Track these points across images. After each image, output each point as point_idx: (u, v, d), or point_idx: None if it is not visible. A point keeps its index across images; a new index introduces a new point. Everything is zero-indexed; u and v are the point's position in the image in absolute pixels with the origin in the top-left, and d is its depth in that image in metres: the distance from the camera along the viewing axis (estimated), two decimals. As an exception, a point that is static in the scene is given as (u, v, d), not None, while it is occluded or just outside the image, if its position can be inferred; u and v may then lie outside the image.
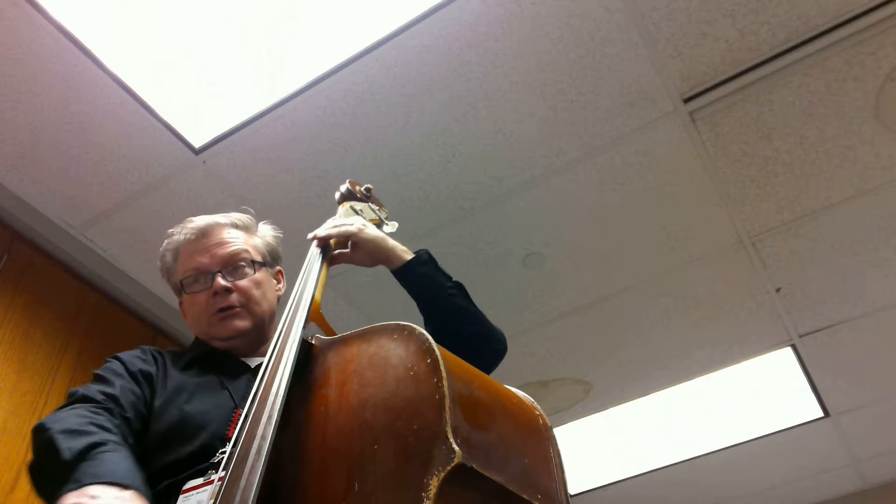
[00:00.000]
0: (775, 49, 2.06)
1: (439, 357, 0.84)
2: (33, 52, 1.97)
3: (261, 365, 1.24)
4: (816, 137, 2.27)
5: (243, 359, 1.30)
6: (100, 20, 1.92)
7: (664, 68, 2.10)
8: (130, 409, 1.13)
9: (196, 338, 1.37)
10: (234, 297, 1.29)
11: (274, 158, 2.27)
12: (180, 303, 1.37)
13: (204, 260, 1.31)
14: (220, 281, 1.29)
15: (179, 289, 1.34)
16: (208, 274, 1.30)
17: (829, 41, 2.03)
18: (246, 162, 2.28)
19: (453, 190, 2.40)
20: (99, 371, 1.20)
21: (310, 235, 1.36)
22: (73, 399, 1.10)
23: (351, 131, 2.22)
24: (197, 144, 2.24)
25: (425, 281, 1.33)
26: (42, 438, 1.00)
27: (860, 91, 2.16)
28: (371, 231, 1.35)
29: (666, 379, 3.20)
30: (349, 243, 1.36)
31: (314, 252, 1.31)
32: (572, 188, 2.41)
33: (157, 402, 1.17)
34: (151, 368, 1.23)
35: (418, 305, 1.35)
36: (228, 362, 1.28)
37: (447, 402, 0.80)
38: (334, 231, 1.34)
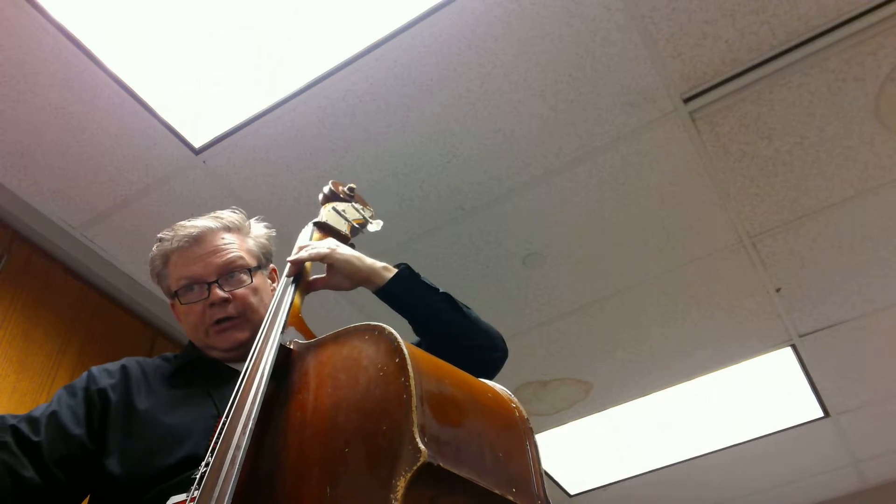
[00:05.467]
0: (775, 49, 2.06)
1: (407, 356, 0.84)
2: (33, 52, 1.97)
3: None
4: (816, 137, 2.27)
5: (233, 364, 1.28)
6: (100, 20, 1.92)
7: (664, 68, 2.10)
8: (54, 433, 1.12)
9: (190, 342, 1.35)
10: (232, 308, 1.26)
11: (274, 158, 2.27)
12: (172, 305, 1.34)
13: (198, 269, 1.27)
14: (218, 292, 1.25)
15: (173, 295, 1.31)
16: (204, 284, 1.26)
17: (829, 41, 2.03)
18: (246, 162, 2.28)
19: (453, 190, 2.40)
20: (64, 385, 1.20)
21: (286, 271, 1.26)
22: None
23: (351, 131, 2.22)
24: (197, 144, 2.24)
25: (410, 300, 1.25)
26: None
27: (860, 91, 2.16)
28: (343, 251, 1.25)
29: (666, 379, 3.20)
30: (325, 266, 1.27)
31: (285, 282, 1.22)
32: (572, 188, 2.41)
33: (138, 414, 1.17)
34: (113, 386, 1.21)
35: (409, 322, 1.28)
36: (215, 369, 1.27)
37: (414, 400, 0.79)
38: (304, 254, 1.24)
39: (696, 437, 3.56)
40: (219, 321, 1.26)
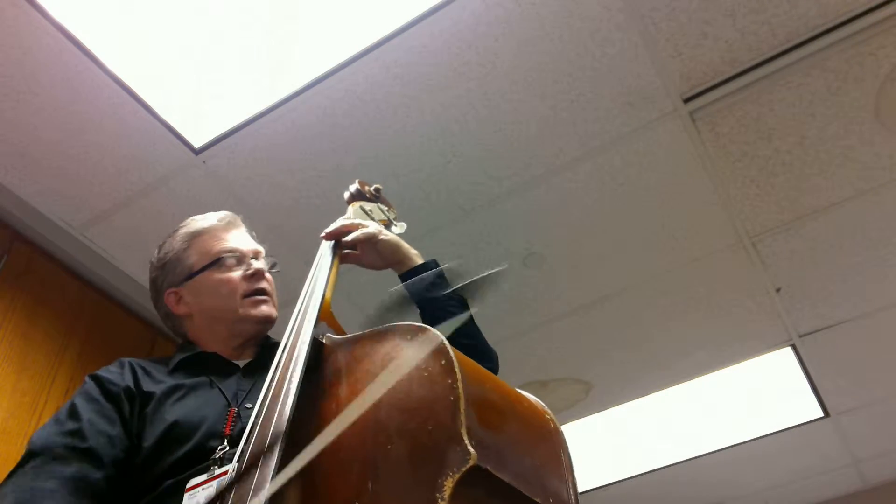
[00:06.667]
0: (775, 49, 2.06)
1: (454, 358, 0.84)
2: (33, 52, 1.97)
3: (249, 364, 1.25)
4: (816, 137, 2.27)
5: (232, 359, 1.30)
6: (100, 20, 1.92)
7: (664, 68, 2.10)
8: (99, 438, 1.10)
9: (183, 342, 1.36)
10: (266, 285, 1.34)
11: (274, 158, 2.27)
12: (174, 292, 1.34)
13: (240, 244, 1.36)
14: (258, 263, 1.34)
15: (192, 274, 1.32)
16: (244, 257, 1.34)
17: (829, 41, 2.03)
18: (246, 162, 2.28)
19: (453, 190, 2.40)
20: (73, 397, 1.18)
21: (329, 229, 1.35)
22: (27, 454, 1.08)
23: (351, 131, 2.22)
24: (197, 144, 2.24)
25: (430, 287, 1.33)
26: None
27: (860, 91, 2.16)
28: (388, 233, 1.38)
29: (666, 379, 3.20)
30: (358, 245, 1.37)
31: (325, 247, 1.32)
32: (572, 188, 2.41)
33: (149, 409, 1.16)
34: (130, 382, 1.21)
35: (419, 311, 1.34)
36: (216, 362, 1.28)
37: (462, 403, 0.79)
38: (360, 235, 1.33)
39: (696, 437, 3.56)
40: (257, 291, 1.32)
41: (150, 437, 1.12)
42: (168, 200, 2.37)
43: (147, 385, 1.22)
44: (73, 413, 1.15)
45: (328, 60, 2.05)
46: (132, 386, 1.20)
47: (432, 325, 1.28)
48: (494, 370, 1.32)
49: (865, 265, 2.69)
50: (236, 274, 1.32)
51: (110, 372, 1.23)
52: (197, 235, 1.36)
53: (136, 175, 2.30)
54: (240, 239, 1.38)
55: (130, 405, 1.18)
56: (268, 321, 1.32)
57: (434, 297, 1.33)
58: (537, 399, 0.98)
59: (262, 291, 1.32)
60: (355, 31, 1.99)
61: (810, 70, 2.11)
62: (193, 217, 1.41)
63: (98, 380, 1.21)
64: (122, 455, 1.12)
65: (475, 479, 0.75)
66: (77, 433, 1.10)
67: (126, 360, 1.29)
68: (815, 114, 2.21)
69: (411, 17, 1.96)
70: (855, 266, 2.69)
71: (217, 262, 1.32)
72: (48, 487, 1.02)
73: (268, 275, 1.36)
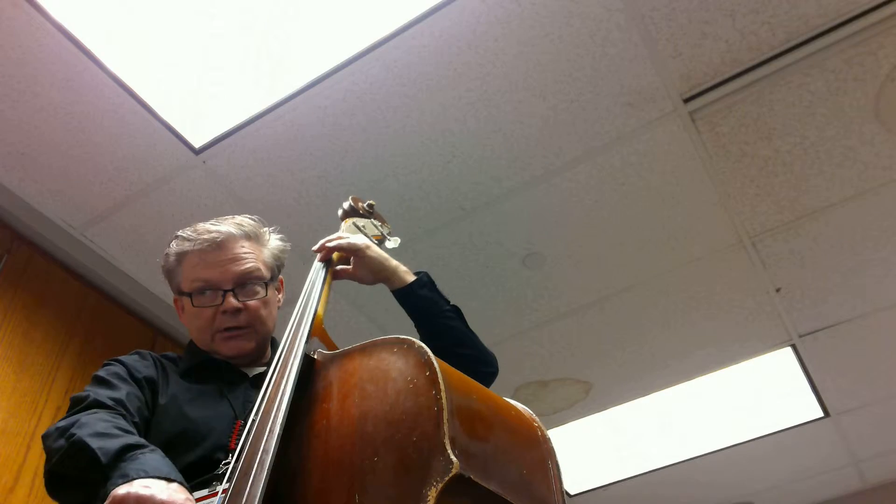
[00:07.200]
0: (775, 49, 2.06)
1: (438, 370, 0.85)
2: (33, 52, 1.97)
3: (259, 375, 1.24)
4: (816, 137, 2.27)
5: (243, 367, 1.30)
6: (100, 20, 1.92)
7: (664, 68, 2.10)
8: (137, 415, 1.13)
9: (192, 342, 1.36)
10: (243, 318, 1.28)
11: (274, 158, 2.27)
12: (175, 300, 1.36)
13: (216, 275, 1.28)
14: (233, 301, 1.27)
15: (181, 294, 1.33)
16: (219, 290, 1.28)
17: (829, 41, 2.03)
18: (246, 162, 2.28)
19: (453, 190, 2.40)
20: (101, 374, 1.18)
21: (315, 247, 1.37)
22: (86, 403, 1.08)
23: (351, 131, 2.22)
24: (197, 144, 2.24)
25: (424, 303, 1.35)
26: (68, 442, 0.98)
27: (860, 91, 2.16)
28: (376, 249, 1.39)
29: (666, 379, 3.20)
30: (351, 259, 1.38)
31: (317, 265, 1.33)
32: (572, 188, 2.41)
33: (160, 408, 1.17)
34: (153, 373, 1.22)
35: (415, 325, 1.37)
36: (227, 371, 1.28)
37: (445, 413, 0.81)
38: (344, 242, 1.36)
39: (696, 437, 3.56)
40: (228, 328, 1.28)
41: (158, 439, 1.12)
42: (168, 200, 2.37)
43: (162, 381, 1.23)
44: (109, 385, 1.15)
45: (328, 60, 2.05)
46: (154, 377, 1.22)
47: (430, 339, 1.30)
48: (494, 375, 1.34)
49: (865, 265, 2.69)
50: (209, 309, 1.28)
51: (133, 359, 1.25)
52: (184, 256, 1.32)
53: (136, 175, 2.30)
54: (223, 265, 1.29)
55: (151, 394, 1.19)
56: (240, 356, 1.29)
57: (430, 312, 1.34)
58: (525, 408, 0.99)
59: (234, 328, 1.28)
60: (355, 31, 1.99)
61: (810, 70, 2.11)
62: (183, 231, 1.34)
63: (124, 364, 1.22)
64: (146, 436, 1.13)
65: (460, 487, 0.76)
66: (122, 404, 1.12)
67: (146, 352, 1.30)
68: (815, 114, 2.21)
69: (411, 17, 1.96)
70: (855, 266, 2.69)
71: (190, 294, 1.30)
72: (129, 426, 1.05)
73: (252, 303, 1.29)
